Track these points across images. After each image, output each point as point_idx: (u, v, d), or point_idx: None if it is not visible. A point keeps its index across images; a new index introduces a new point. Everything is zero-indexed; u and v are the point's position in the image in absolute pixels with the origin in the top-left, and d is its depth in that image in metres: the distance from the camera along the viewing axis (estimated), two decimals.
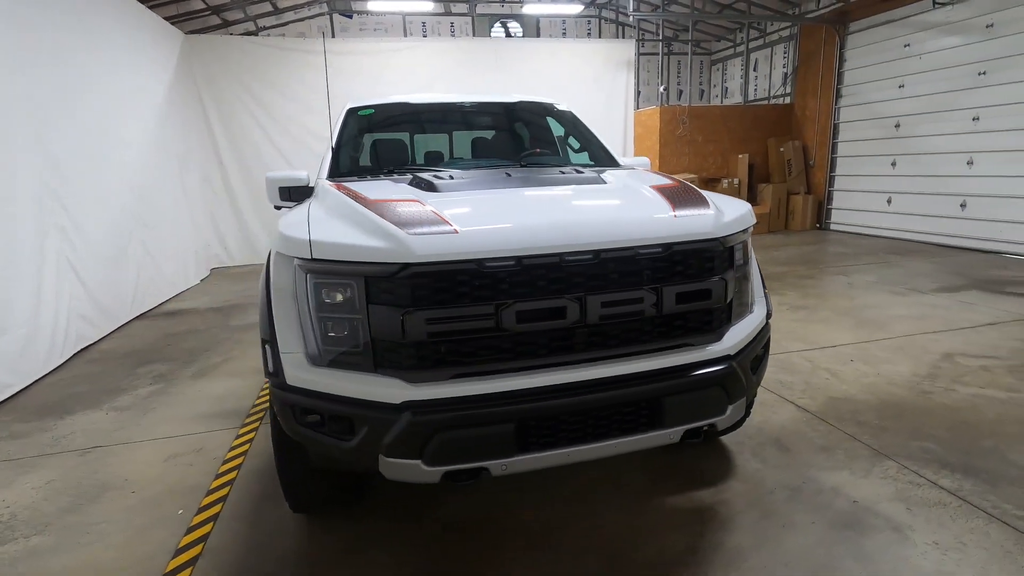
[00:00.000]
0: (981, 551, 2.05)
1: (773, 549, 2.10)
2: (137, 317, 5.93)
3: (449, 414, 1.69)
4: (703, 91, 13.97)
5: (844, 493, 2.43)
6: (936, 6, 8.02)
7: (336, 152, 3.01)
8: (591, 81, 9.90)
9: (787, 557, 2.06)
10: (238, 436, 3.18)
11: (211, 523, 2.39)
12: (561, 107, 3.62)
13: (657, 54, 12.68)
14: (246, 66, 8.77)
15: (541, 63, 9.74)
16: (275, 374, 1.90)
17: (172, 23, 8.16)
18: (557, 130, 3.69)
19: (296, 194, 2.94)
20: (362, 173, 2.91)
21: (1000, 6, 7.33)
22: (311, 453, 2.02)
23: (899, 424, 3.02)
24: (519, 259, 1.71)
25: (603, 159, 3.28)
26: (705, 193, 2.19)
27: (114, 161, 5.80)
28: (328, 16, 11.12)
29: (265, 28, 10.67)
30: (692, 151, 10.67)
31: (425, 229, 1.72)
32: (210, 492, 2.63)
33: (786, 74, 11.30)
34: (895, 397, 3.35)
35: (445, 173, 2.49)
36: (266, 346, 1.94)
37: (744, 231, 2.12)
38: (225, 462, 2.90)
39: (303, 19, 11.09)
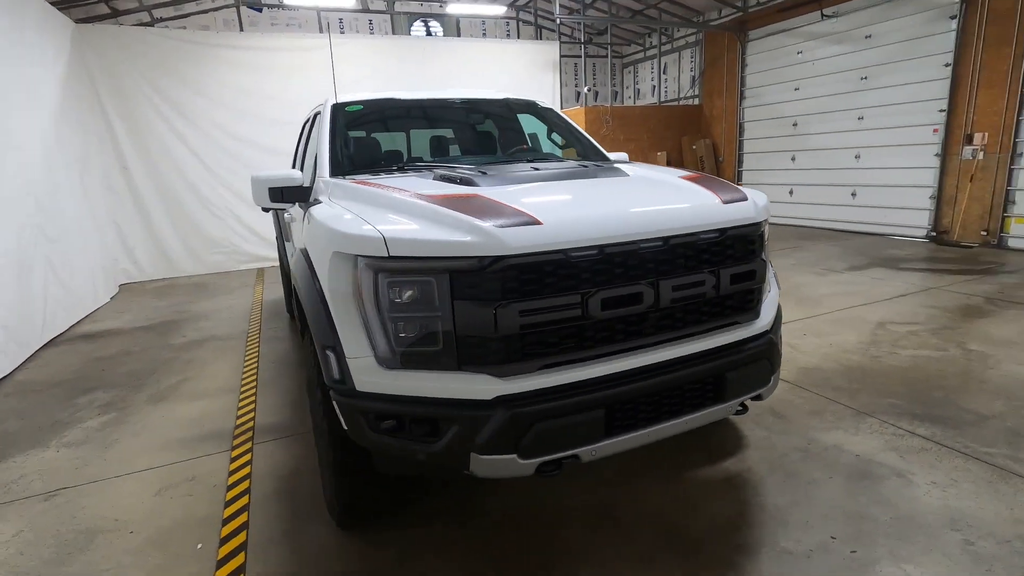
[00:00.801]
0: (970, 485, 2.38)
1: (808, 504, 2.31)
2: (49, 343, 5.21)
3: (545, 405, 1.70)
4: (616, 92, 14.63)
5: (845, 449, 2.71)
6: (824, 18, 9.02)
7: (333, 148, 2.86)
8: (519, 81, 10.05)
9: (822, 509, 2.27)
10: (233, 460, 2.92)
11: (242, 553, 2.19)
12: (543, 104, 3.68)
13: (575, 56, 13.10)
14: (151, 60, 7.97)
15: (470, 62, 9.76)
16: (341, 381, 1.79)
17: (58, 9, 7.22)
18: (538, 127, 3.74)
19: (291, 195, 2.76)
20: (370, 169, 2.79)
21: (876, 20, 8.40)
22: (380, 461, 1.93)
23: (865, 386, 3.41)
24: (601, 248, 1.75)
25: (593, 154, 3.39)
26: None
27: (10, 165, 5.05)
28: (235, 8, 10.36)
29: (163, 20, 9.75)
30: (615, 149, 11.13)
31: (509, 221, 1.71)
32: (227, 521, 2.40)
33: (694, 77, 12.15)
34: (853, 363, 3.76)
35: (471, 169, 2.46)
36: (328, 352, 1.82)
37: (767, 217, 2.30)
38: (229, 488, 2.66)
39: (206, 11, 10.24)
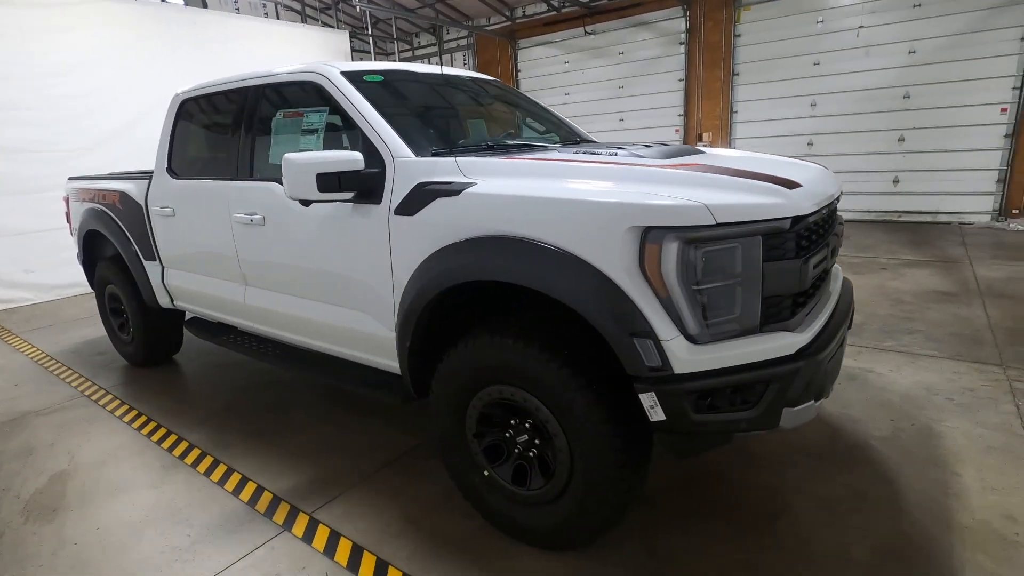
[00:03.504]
0: (907, 368, 3.41)
1: (850, 406, 2.98)
2: None
3: (828, 349, 1.86)
4: None
5: None
6: (587, 34, 10.63)
7: (392, 123, 2.35)
8: None
9: (862, 406, 2.96)
10: (304, 539, 2.18)
11: None
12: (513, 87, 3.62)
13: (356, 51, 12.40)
14: None
15: (251, 44, 8.41)
16: (661, 367, 1.64)
17: None
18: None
19: (349, 182, 2.20)
20: (449, 147, 2.38)
21: (626, 39, 10.32)
22: (682, 445, 1.81)
23: None
24: (828, 206, 2.00)
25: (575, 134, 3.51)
26: None
27: None
28: None
29: None
30: None
31: (779, 186, 1.81)
32: None
33: None
34: None
35: (595, 145, 2.38)
36: (639, 340, 1.63)
37: None
38: (350, 569, 2.01)
39: None
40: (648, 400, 1.67)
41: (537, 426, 1.95)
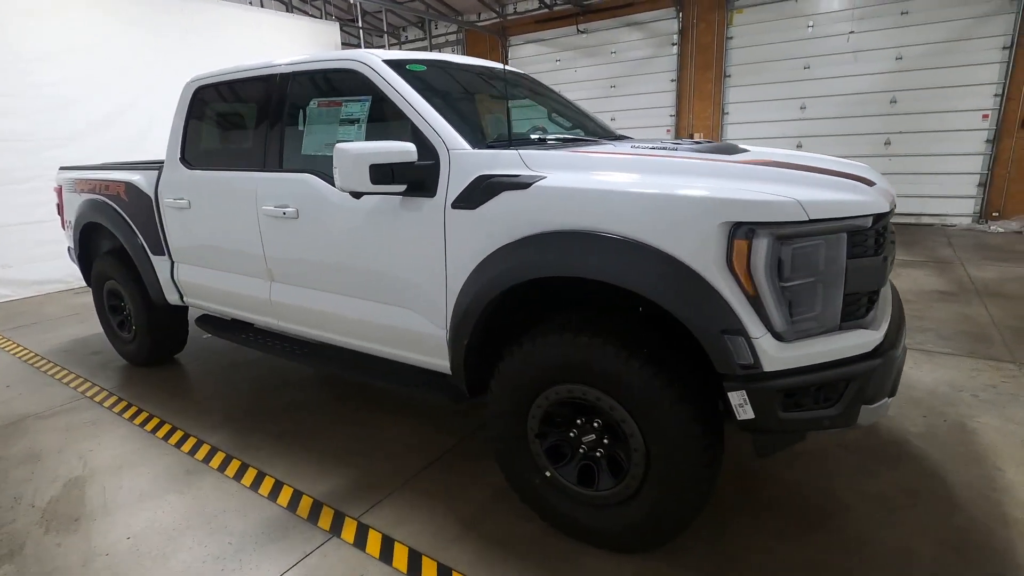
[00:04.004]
0: (926, 365, 3.48)
1: None
2: None
3: (899, 345, 1.87)
4: None
5: None
6: (579, 32, 10.62)
7: (446, 115, 2.27)
8: None
9: (895, 404, 3.00)
10: (357, 546, 2.09)
11: None
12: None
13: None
14: None
15: (241, 33, 8.15)
16: (753, 365, 1.61)
17: None
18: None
19: (402, 175, 2.12)
20: (518, 140, 2.32)
21: (619, 39, 10.35)
22: (767, 443, 1.78)
23: None
24: (893, 208, 2.00)
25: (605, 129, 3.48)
26: None
27: None
28: None
29: None
30: None
31: (859, 183, 1.80)
32: None
33: None
34: None
35: (655, 143, 2.35)
36: (731, 337, 1.61)
37: None
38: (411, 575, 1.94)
39: None
40: (738, 398, 1.65)
41: (609, 425, 1.90)
